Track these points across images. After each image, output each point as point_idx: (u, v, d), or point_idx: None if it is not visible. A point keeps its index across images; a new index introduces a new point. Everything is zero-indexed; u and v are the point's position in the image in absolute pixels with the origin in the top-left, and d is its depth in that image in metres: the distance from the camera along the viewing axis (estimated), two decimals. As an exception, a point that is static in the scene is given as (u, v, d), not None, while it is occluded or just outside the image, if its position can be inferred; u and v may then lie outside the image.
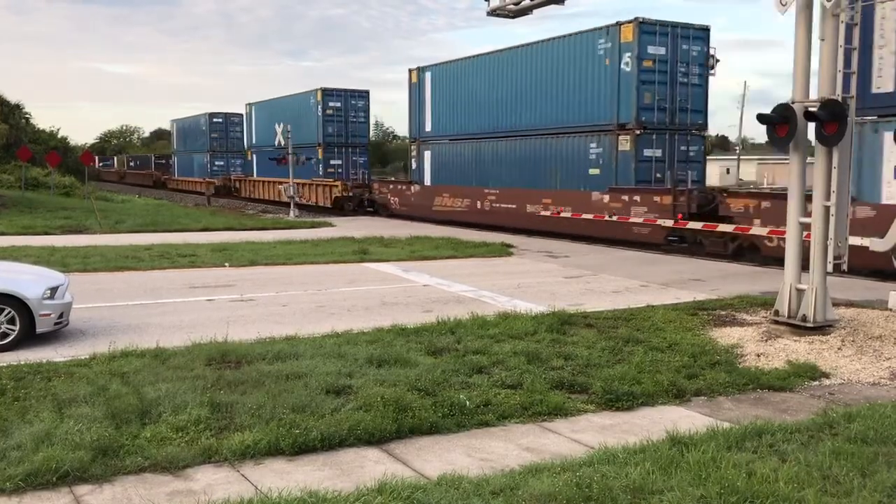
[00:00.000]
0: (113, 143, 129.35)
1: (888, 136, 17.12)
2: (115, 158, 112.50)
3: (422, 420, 6.95)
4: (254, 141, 51.47)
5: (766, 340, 10.29)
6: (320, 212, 39.10)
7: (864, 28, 21.98)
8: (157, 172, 78.80)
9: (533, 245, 23.80)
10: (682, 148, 24.98)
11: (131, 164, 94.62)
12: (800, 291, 10.79)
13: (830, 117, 10.16)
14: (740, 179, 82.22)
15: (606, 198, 23.79)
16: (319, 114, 42.47)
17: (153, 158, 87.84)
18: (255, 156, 51.30)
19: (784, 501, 5.23)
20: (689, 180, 23.96)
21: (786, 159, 12.55)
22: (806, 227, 10.79)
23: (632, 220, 22.75)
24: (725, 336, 10.63)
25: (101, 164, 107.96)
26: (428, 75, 34.53)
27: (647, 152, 24.07)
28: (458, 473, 5.76)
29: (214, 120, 59.48)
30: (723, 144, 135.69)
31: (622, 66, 23.71)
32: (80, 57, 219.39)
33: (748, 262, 19.44)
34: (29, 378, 8.00)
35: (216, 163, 58.62)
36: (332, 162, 42.68)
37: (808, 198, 10.91)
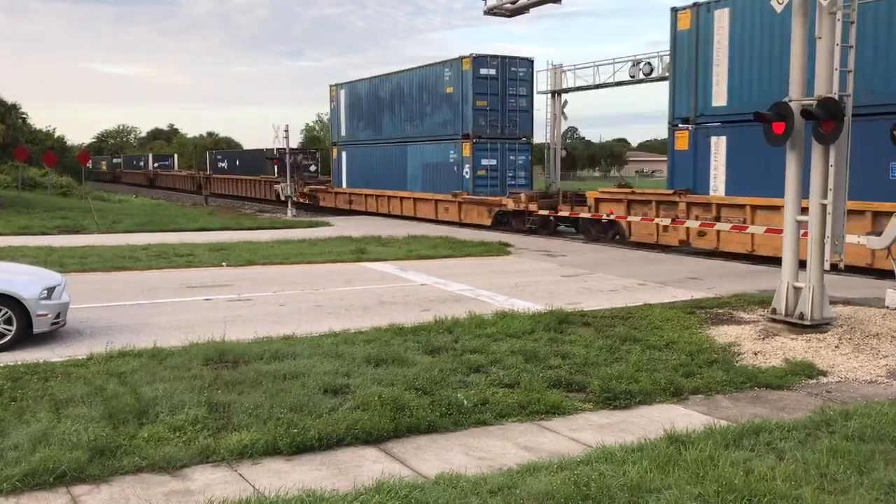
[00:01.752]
0: (110, 143, 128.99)
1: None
2: (177, 156, 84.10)
3: (419, 419, 6.95)
4: (729, 99, 20.87)
5: (764, 339, 10.31)
6: None
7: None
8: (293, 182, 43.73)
9: (530, 244, 23.82)
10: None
11: (220, 162, 61.18)
12: (797, 289, 10.80)
13: (827, 115, 10.17)
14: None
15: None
16: None
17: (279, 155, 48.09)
18: (723, 138, 21.11)
19: (781, 499, 5.24)
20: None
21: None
22: (803, 224, 10.81)
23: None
24: (723, 334, 10.64)
25: (156, 165, 79.28)
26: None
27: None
28: (456, 472, 5.76)
29: (482, 72, 30.14)
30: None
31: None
32: (78, 57, 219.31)
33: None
34: (26, 378, 7.99)
35: (483, 161, 30.53)
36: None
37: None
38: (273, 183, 46.46)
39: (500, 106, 30.78)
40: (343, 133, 40.29)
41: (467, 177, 30.54)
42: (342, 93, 40.09)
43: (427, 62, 33.67)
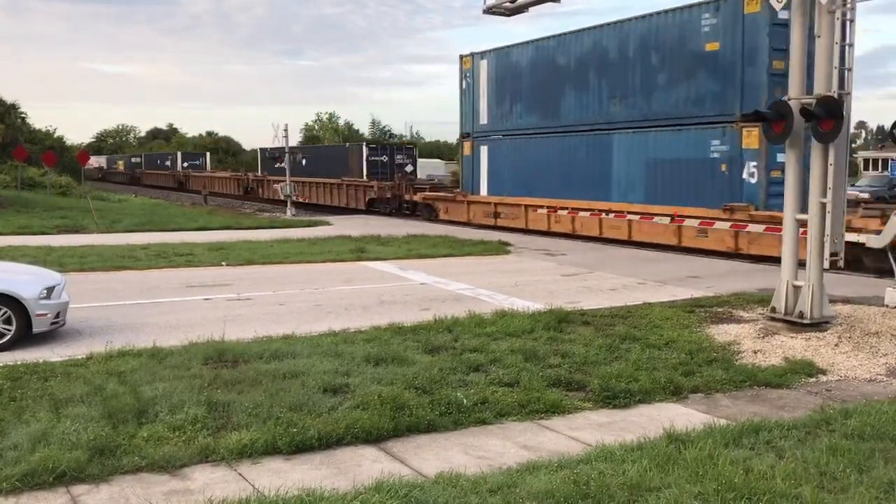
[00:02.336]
0: (109, 143, 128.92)
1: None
2: (209, 154, 71.98)
3: (419, 418, 6.95)
4: None
5: (763, 337, 10.31)
6: None
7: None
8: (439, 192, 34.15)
9: (530, 243, 23.81)
10: None
11: (278, 162, 43.19)
12: (796, 288, 10.80)
13: (827, 114, 10.17)
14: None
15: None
16: None
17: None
18: None
19: (781, 498, 5.24)
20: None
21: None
22: (802, 223, 10.81)
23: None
24: (722, 333, 10.64)
25: (185, 165, 66.05)
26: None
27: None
28: (456, 472, 5.76)
29: (780, 17, 17.59)
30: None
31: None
32: (78, 57, 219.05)
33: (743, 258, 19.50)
34: (25, 378, 7.99)
35: (780, 157, 16.34)
36: None
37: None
38: (364, 187, 37.01)
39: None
40: (483, 121, 29.80)
41: (752, 181, 19.57)
42: (483, 65, 29.59)
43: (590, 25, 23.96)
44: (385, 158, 40.28)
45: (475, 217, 30.05)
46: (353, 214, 35.24)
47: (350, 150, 42.52)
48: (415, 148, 41.34)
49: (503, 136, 28.96)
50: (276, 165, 45.94)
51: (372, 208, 36.57)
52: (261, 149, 54.08)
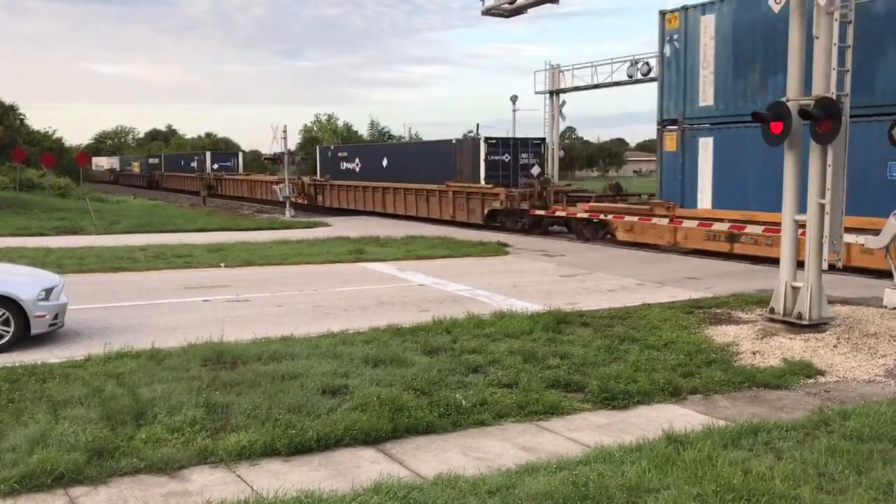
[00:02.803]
0: (108, 144, 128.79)
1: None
2: (241, 155, 63.16)
3: (418, 420, 6.95)
4: None
5: (762, 338, 10.31)
6: None
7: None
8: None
9: (528, 244, 23.81)
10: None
11: (345, 162, 40.05)
12: (795, 289, 10.80)
13: (825, 115, 10.17)
14: None
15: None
16: None
17: None
18: None
19: (780, 499, 5.24)
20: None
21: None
22: (801, 224, 10.82)
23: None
24: (721, 334, 10.64)
25: (215, 167, 57.25)
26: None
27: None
28: (455, 473, 5.76)
29: None
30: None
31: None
32: (77, 57, 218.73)
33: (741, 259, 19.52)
34: (24, 380, 7.98)
35: None
36: None
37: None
38: (485, 194, 28.46)
39: None
40: (706, 101, 20.87)
41: None
42: (706, 22, 20.55)
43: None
44: (507, 158, 30.57)
45: (688, 239, 21.02)
46: (458, 228, 27.93)
47: (459, 147, 32.14)
48: (542, 144, 31.76)
49: (744, 122, 18.24)
50: (343, 167, 39.45)
51: (493, 222, 28.14)
52: (320, 148, 46.36)
